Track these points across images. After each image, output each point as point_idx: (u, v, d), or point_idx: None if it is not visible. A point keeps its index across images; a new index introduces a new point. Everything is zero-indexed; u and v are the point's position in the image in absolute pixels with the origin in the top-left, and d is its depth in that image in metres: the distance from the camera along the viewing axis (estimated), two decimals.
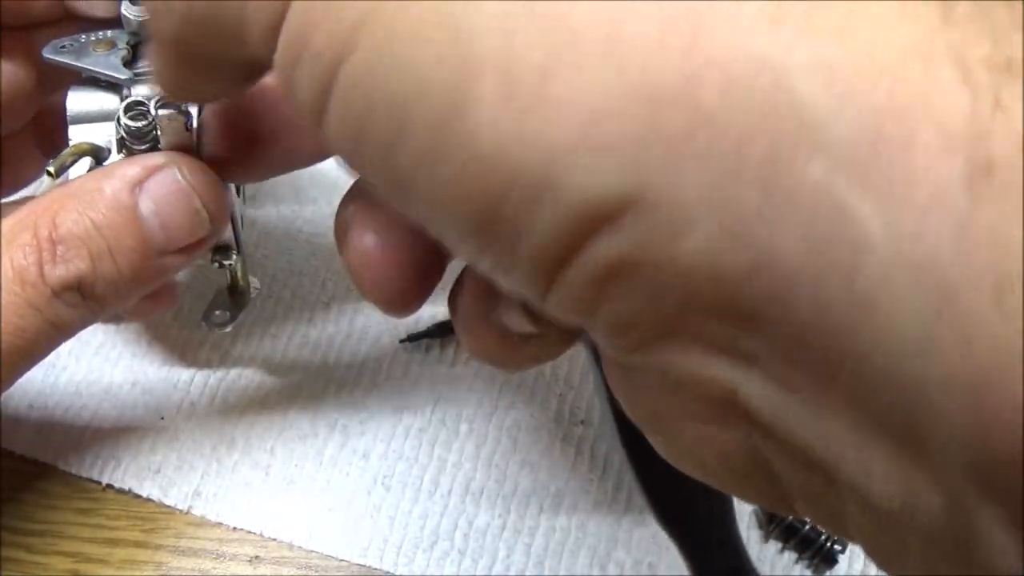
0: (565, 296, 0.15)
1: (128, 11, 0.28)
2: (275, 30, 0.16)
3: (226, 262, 0.31)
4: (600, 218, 0.14)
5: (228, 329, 0.34)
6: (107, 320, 0.35)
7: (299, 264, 0.38)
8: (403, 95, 0.14)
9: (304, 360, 0.35)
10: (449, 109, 0.14)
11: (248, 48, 0.17)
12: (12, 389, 0.34)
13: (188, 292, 0.37)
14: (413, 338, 0.36)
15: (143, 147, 0.27)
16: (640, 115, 0.13)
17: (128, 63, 0.28)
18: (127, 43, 0.28)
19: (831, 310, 0.13)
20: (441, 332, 0.36)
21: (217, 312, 0.34)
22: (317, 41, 0.15)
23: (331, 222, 0.40)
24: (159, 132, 0.27)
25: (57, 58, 0.28)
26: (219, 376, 0.35)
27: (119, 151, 0.28)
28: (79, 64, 0.28)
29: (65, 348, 0.36)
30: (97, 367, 0.35)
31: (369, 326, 0.36)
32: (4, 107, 0.31)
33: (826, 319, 0.13)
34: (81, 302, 0.26)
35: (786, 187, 0.13)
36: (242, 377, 0.35)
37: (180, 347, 0.36)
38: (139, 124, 0.27)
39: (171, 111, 0.26)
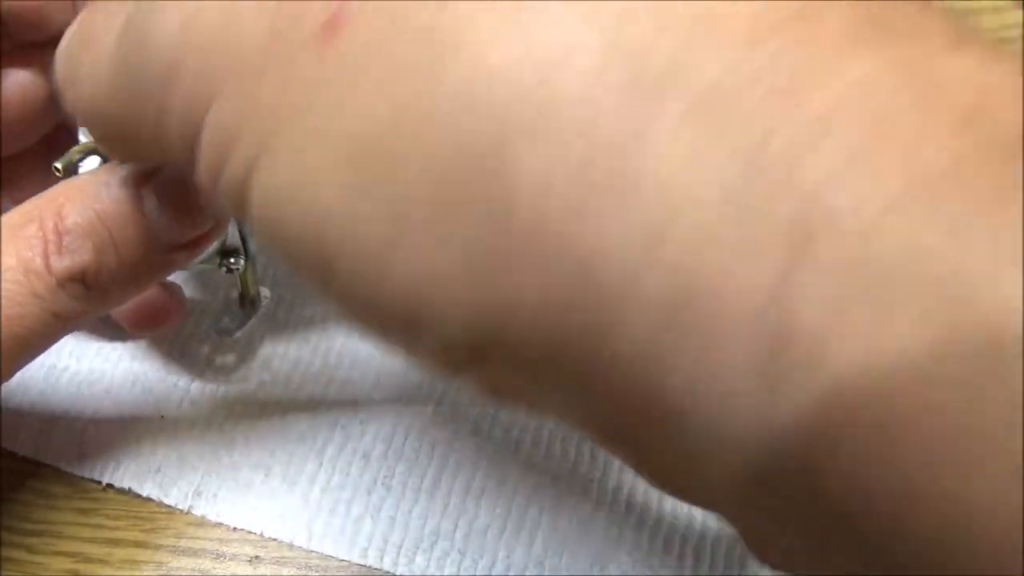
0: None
1: None
2: (194, 152, 0.18)
3: (234, 267, 0.31)
4: (469, 355, 0.15)
5: (236, 336, 0.34)
6: (112, 337, 0.35)
7: None
8: (286, 245, 0.16)
9: (304, 360, 0.35)
10: (321, 269, 0.16)
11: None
12: (13, 389, 0.35)
13: (191, 294, 0.37)
14: None
15: None
16: (471, 281, 0.14)
17: None
18: None
19: (662, 460, 0.14)
20: None
21: (226, 319, 0.34)
22: (225, 175, 0.17)
23: None
24: None
25: None
26: (220, 376, 0.35)
27: None
28: None
29: (66, 349, 0.36)
30: (98, 367, 0.35)
31: None
32: (15, 119, 0.32)
33: (662, 461, 0.15)
34: (84, 293, 0.26)
35: (606, 358, 0.14)
36: (242, 377, 0.35)
37: (181, 347, 0.36)
38: None
39: None
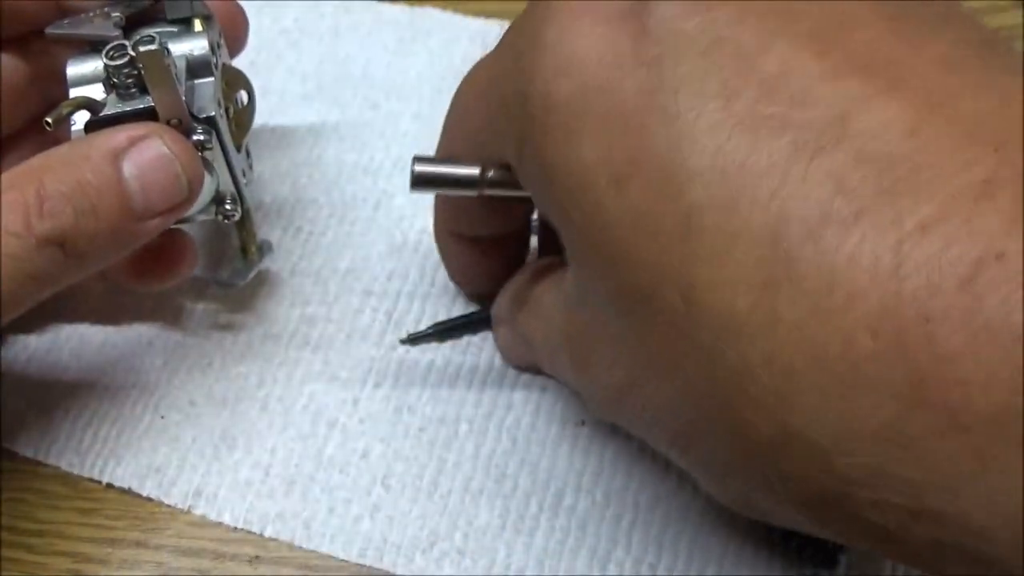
0: None
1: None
2: None
3: (231, 214, 0.32)
4: None
5: (242, 283, 0.35)
6: (125, 280, 0.35)
7: (299, 264, 0.38)
8: None
9: (304, 360, 0.35)
10: None
11: None
12: (12, 388, 0.35)
13: (191, 288, 0.37)
14: (413, 338, 0.36)
15: (129, 81, 0.29)
16: None
17: (123, 29, 0.30)
18: (121, 14, 0.30)
19: None
20: (441, 333, 0.36)
21: (231, 272, 0.35)
22: None
23: (330, 222, 0.41)
24: (142, 69, 0.28)
25: (58, 31, 0.30)
26: (219, 375, 0.35)
27: (107, 92, 0.30)
28: (77, 31, 0.30)
29: (66, 347, 0.36)
30: (97, 366, 0.35)
31: (371, 326, 0.36)
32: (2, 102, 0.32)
33: None
34: (61, 258, 0.27)
35: None
36: (242, 377, 0.35)
37: (180, 347, 0.36)
38: (119, 63, 0.28)
39: (149, 47, 0.28)
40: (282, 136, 0.41)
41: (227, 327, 0.36)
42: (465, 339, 0.36)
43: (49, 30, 0.30)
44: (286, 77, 0.43)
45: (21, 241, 0.27)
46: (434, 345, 0.36)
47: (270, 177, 0.40)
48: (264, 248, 0.36)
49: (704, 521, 0.32)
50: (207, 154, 0.30)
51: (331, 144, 0.41)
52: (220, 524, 0.32)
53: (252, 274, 0.35)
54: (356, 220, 0.39)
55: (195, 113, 0.30)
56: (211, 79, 0.31)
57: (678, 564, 0.31)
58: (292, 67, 0.43)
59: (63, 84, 0.30)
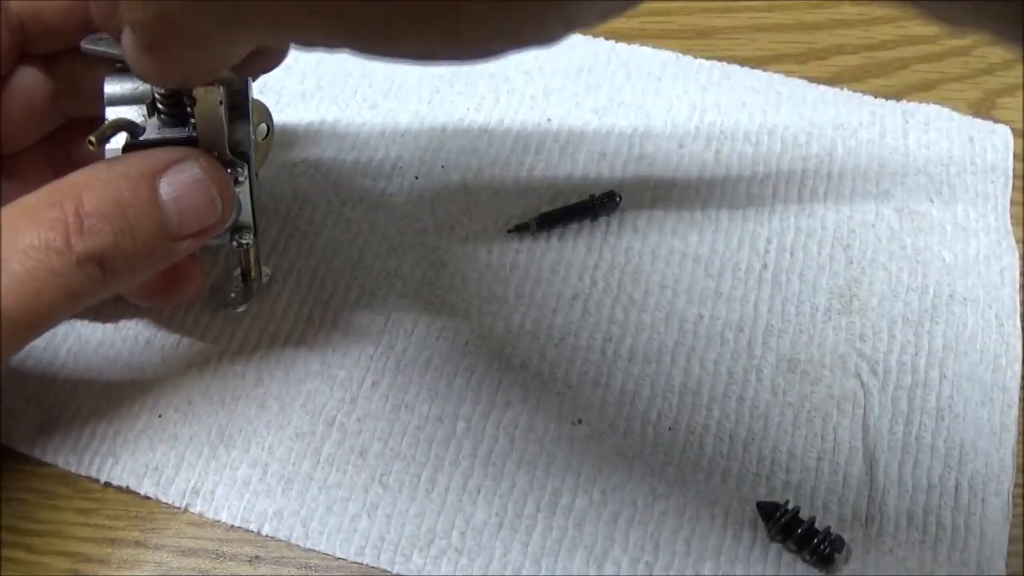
0: None
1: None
2: None
3: (244, 242, 0.33)
4: None
5: (240, 310, 0.36)
6: (133, 296, 0.35)
7: (296, 263, 0.38)
8: None
9: (301, 358, 0.36)
10: None
11: None
12: (11, 386, 0.35)
13: None
14: (518, 227, 0.38)
15: (173, 110, 0.30)
16: None
17: None
18: None
19: None
20: (542, 223, 0.38)
21: (232, 295, 0.36)
22: None
23: (328, 221, 0.41)
24: (192, 101, 0.29)
25: (94, 47, 0.30)
26: (217, 374, 0.35)
27: (150, 115, 0.30)
28: (114, 52, 0.30)
29: (64, 346, 0.36)
30: (96, 365, 0.35)
31: (369, 326, 0.36)
32: (20, 115, 0.32)
33: None
34: (99, 275, 0.28)
35: None
36: (240, 375, 0.35)
37: (178, 345, 0.36)
38: (167, 90, 0.29)
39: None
40: (280, 135, 0.41)
41: (224, 326, 0.36)
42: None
43: (85, 45, 0.31)
44: (284, 76, 0.43)
45: (62, 258, 0.27)
46: (432, 343, 0.36)
47: (269, 177, 0.40)
48: (264, 277, 0.37)
49: (700, 520, 0.32)
50: (237, 188, 0.31)
51: (330, 144, 0.41)
52: (220, 524, 0.32)
53: (251, 302, 0.36)
54: (355, 220, 0.39)
55: (232, 147, 0.31)
56: (247, 115, 0.31)
57: (674, 563, 0.31)
58: (290, 66, 0.43)
59: (98, 101, 0.30)
